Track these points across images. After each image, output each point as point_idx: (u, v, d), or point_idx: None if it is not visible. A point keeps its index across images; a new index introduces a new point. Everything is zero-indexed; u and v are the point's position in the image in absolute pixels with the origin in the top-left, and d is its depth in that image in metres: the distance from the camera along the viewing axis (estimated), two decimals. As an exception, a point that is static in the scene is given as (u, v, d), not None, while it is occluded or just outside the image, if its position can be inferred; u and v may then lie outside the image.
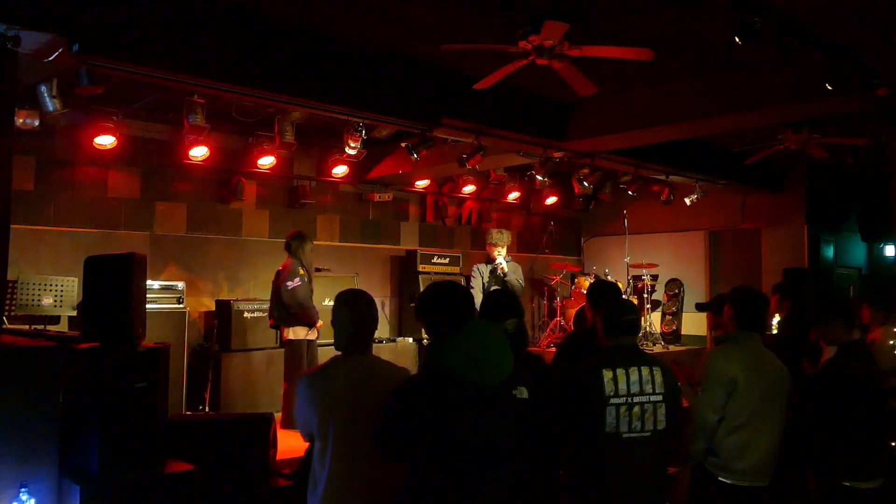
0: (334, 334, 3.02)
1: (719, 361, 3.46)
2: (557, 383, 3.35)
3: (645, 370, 3.14)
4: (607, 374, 3.09)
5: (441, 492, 2.49)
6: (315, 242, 8.71)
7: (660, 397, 3.12)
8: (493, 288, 7.06)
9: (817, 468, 3.72)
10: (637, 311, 3.45)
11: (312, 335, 6.85)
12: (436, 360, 2.59)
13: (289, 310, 6.72)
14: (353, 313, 3.01)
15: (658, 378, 3.15)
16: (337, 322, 3.02)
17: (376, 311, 3.10)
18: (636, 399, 3.09)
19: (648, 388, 3.12)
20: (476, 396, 2.50)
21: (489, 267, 7.30)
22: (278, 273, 6.88)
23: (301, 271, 6.78)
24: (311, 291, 6.90)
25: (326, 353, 7.82)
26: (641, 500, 3.13)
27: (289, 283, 6.68)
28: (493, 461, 2.51)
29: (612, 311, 3.34)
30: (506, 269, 7.17)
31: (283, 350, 7.11)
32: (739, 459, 3.36)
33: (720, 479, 3.39)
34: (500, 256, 7.24)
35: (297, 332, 6.77)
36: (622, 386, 3.09)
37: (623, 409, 3.07)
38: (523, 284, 7.47)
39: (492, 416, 2.52)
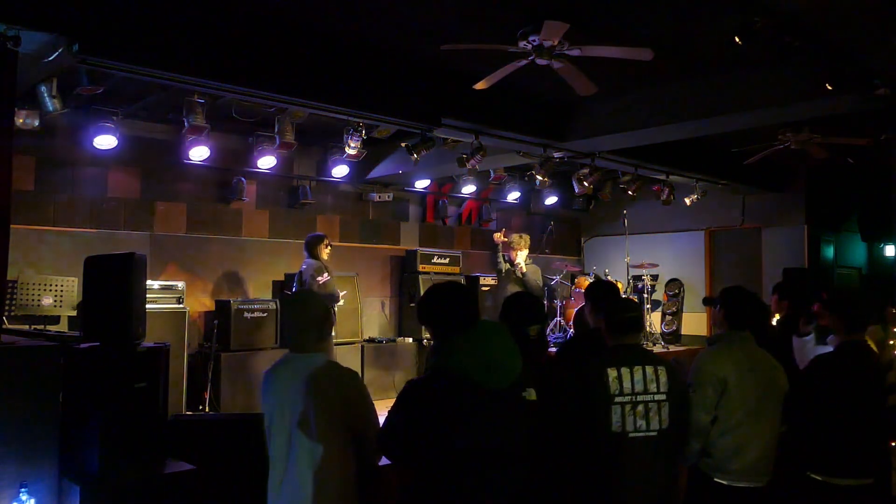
0: (285, 333, 3.14)
1: (708, 362, 3.45)
2: (559, 384, 3.33)
3: (649, 369, 3.14)
4: (612, 373, 3.09)
5: (448, 494, 2.47)
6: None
7: (664, 396, 3.11)
8: (513, 289, 7.38)
9: (803, 462, 3.70)
10: (640, 310, 3.45)
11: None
12: (443, 361, 2.57)
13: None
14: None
15: (662, 377, 3.14)
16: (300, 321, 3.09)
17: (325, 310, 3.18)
18: (640, 398, 3.08)
19: (653, 388, 3.11)
20: (485, 398, 2.48)
21: (508, 266, 7.82)
22: (300, 273, 7.21)
23: (324, 268, 7.17)
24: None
25: (339, 352, 7.86)
26: (651, 501, 3.11)
27: (319, 279, 7.02)
28: (502, 463, 2.50)
29: (615, 310, 3.34)
30: (525, 270, 7.61)
31: (283, 350, 7.23)
32: (734, 460, 3.34)
33: (715, 479, 3.37)
34: (520, 258, 7.68)
35: None
36: (626, 384, 3.08)
37: (628, 408, 3.06)
38: (541, 285, 7.91)
39: (501, 418, 2.50)
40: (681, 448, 3.33)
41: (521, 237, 7.84)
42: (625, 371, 3.10)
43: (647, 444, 3.07)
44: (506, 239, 7.98)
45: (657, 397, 3.11)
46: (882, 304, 5.67)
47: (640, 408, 3.07)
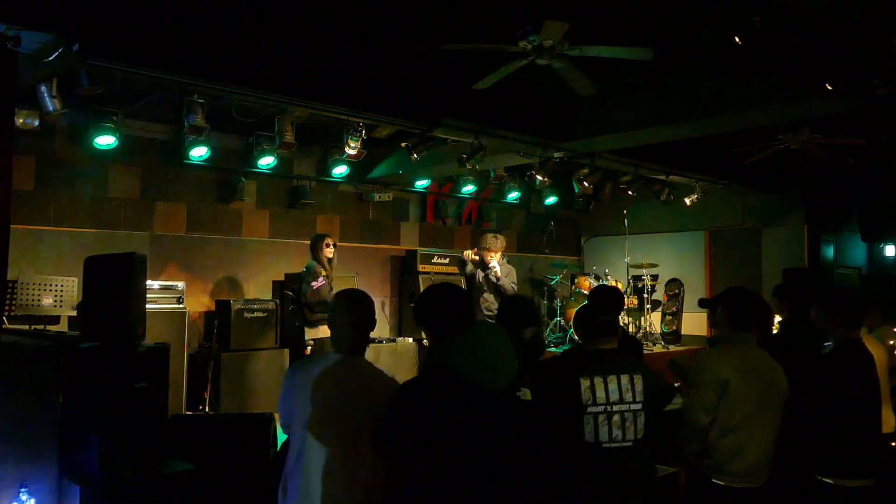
0: (332, 335, 3.02)
1: (709, 363, 3.44)
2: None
3: (625, 378, 3.06)
4: (584, 383, 3.01)
5: (445, 494, 2.47)
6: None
7: (640, 405, 3.05)
8: (488, 297, 7.15)
9: (806, 463, 3.70)
10: (613, 313, 3.38)
11: None
12: (440, 362, 2.57)
13: (313, 308, 6.92)
14: (354, 316, 2.98)
15: (638, 386, 3.07)
16: (336, 323, 3.00)
17: (374, 312, 3.08)
18: (616, 408, 3.01)
19: (629, 397, 3.04)
20: (482, 399, 2.48)
21: (481, 272, 7.25)
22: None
23: (322, 271, 7.03)
24: (331, 289, 7.01)
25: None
26: None
27: (313, 283, 6.96)
28: (496, 463, 2.50)
29: (586, 314, 3.27)
30: (499, 274, 7.10)
31: (283, 350, 7.69)
32: (734, 461, 3.33)
33: (714, 480, 3.36)
34: (494, 261, 7.16)
35: (326, 331, 6.83)
36: (600, 394, 3.01)
37: (602, 417, 2.99)
38: (516, 289, 7.34)
39: (497, 419, 2.51)
40: (654, 455, 3.26)
41: (495, 237, 7.23)
42: (598, 381, 3.02)
43: (621, 453, 3.01)
44: (476, 258, 7.29)
45: (633, 406, 3.04)
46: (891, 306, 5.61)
47: (616, 418, 3.00)
